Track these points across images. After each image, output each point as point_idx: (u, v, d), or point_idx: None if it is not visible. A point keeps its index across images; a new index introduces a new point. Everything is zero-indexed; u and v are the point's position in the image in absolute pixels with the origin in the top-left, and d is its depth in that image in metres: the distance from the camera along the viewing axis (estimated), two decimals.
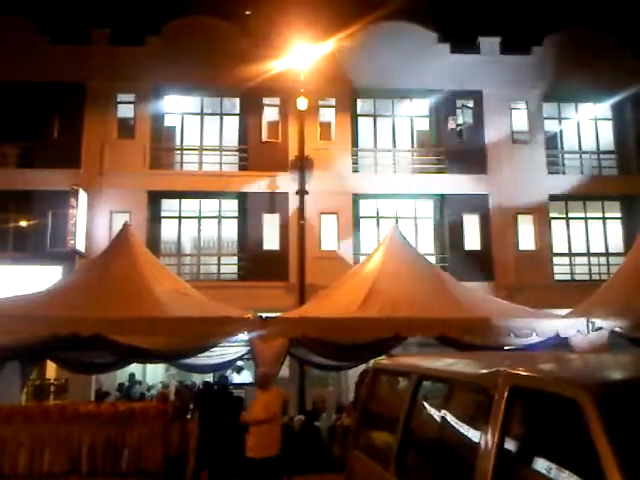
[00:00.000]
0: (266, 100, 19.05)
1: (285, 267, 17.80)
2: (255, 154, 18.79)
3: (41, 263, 16.79)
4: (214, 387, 10.58)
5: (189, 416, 9.51)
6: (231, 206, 19.17)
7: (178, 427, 9.54)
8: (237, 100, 19.75)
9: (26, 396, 12.98)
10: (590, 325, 9.76)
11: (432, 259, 16.97)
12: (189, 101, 19.75)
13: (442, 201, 19.17)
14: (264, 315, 9.81)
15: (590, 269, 19.19)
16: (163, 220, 18.87)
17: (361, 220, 19.01)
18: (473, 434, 3.16)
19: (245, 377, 15.35)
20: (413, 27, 19.61)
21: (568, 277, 19.04)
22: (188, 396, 11.57)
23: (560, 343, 9.63)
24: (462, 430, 3.39)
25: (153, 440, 9.14)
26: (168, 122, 19.60)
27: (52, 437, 8.71)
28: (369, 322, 9.59)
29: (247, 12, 20.54)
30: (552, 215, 19.33)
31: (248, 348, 9.84)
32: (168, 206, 19.03)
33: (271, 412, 8.14)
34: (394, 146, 19.79)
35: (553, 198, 19.25)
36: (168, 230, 18.88)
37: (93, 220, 17.58)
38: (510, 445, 2.86)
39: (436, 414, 3.80)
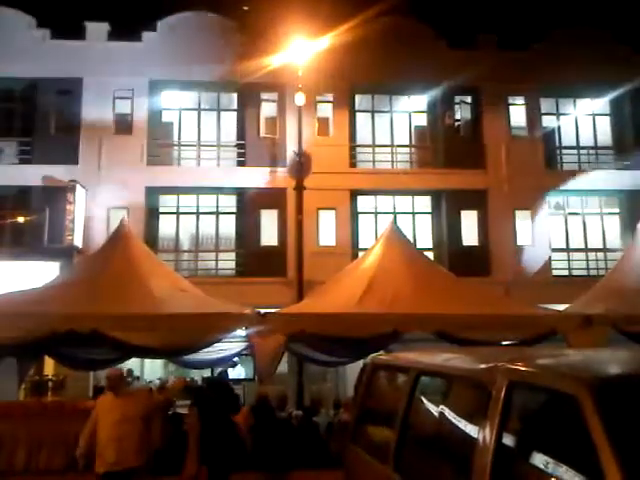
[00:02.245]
0: (264, 95, 19.02)
1: (283, 263, 17.80)
2: (253, 150, 18.77)
3: (39, 259, 16.77)
4: (214, 383, 10.58)
5: (171, 412, 9.59)
6: (229, 202, 19.16)
7: (160, 422, 9.56)
8: (235, 95, 19.72)
9: (24, 392, 12.97)
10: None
11: (430, 254, 17.01)
12: (186, 96, 19.71)
13: (440, 196, 19.18)
14: (262, 311, 9.82)
15: (588, 264, 19.21)
16: (161, 216, 18.84)
17: (359, 215, 19.02)
18: (471, 429, 3.16)
19: (239, 372, 15.42)
20: (411, 23, 19.59)
21: (566, 272, 19.06)
22: (175, 392, 11.59)
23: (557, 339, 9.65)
24: (460, 425, 3.39)
25: (139, 435, 9.21)
26: (165, 118, 19.56)
27: (50, 433, 8.73)
28: (367, 318, 9.60)
29: (244, 7, 20.50)
30: (550, 211, 19.36)
31: (246, 344, 9.84)
32: (166, 202, 19.01)
33: (126, 420, 6.87)
34: (392, 142, 19.78)
35: (551, 194, 19.27)
36: (166, 226, 18.86)
37: (91, 216, 17.56)
38: (508, 440, 2.86)
39: (434, 409, 3.80)
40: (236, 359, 12.66)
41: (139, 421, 7.04)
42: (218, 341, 9.83)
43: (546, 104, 20.14)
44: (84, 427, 6.96)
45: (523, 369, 3.03)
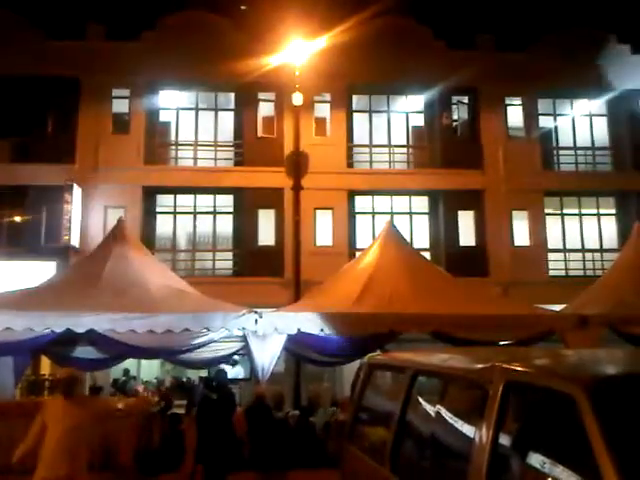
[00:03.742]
0: (261, 95, 19.02)
1: (280, 263, 17.79)
2: (250, 149, 18.76)
3: (35, 258, 16.74)
4: (212, 383, 10.57)
5: (169, 412, 9.61)
6: (226, 201, 19.14)
7: (151, 423, 9.60)
8: (232, 95, 19.71)
9: (20, 391, 12.95)
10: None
11: (427, 255, 17.01)
12: (184, 96, 19.68)
13: (437, 197, 19.19)
14: (259, 311, 9.82)
15: (584, 265, 19.25)
16: (158, 215, 18.83)
17: (356, 216, 19.03)
18: (468, 429, 3.17)
19: (236, 372, 15.42)
20: (409, 23, 19.60)
21: (562, 273, 19.09)
22: (167, 393, 11.60)
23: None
24: (457, 425, 3.40)
25: (127, 435, 9.26)
26: (163, 117, 19.54)
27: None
28: (364, 318, 9.61)
29: (242, 7, 20.48)
30: (547, 211, 19.38)
31: (243, 344, 9.85)
32: (163, 201, 19.00)
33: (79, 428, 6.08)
34: (389, 142, 19.79)
35: (548, 194, 19.30)
36: (163, 225, 18.84)
37: (88, 215, 17.54)
38: (505, 440, 2.87)
39: (431, 409, 3.80)
40: (237, 357, 12.66)
41: (92, 429, 6.36)
42: (215, 341, 9.84)
43: (543, 105, 20.17)
44: (29, 430, 6.14)
45: (520, 369, 3.04)
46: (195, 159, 19.20)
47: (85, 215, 17.53)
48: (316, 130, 18.88)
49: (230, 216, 19.02)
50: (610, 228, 19.72)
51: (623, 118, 20.12)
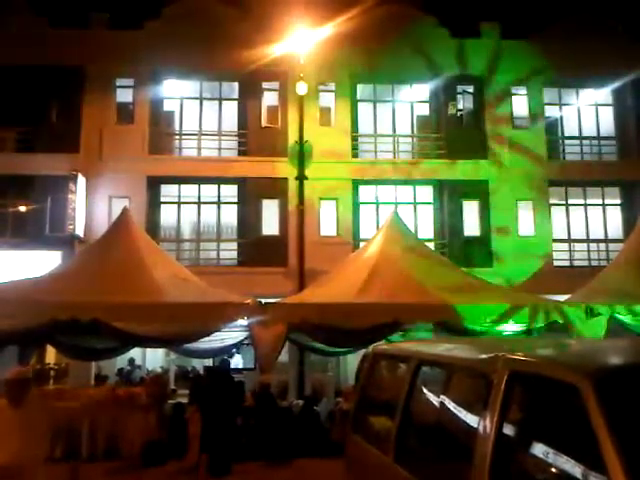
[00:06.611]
0: (265, 84, 18.94)
1: (284, 252, 17.80)
2: (254, 139, 18.71)
3: (40, 248, 16.79)
4: (215, 372, 10.62)
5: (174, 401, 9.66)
6: (230, 191, 19.12)
7: (155, 413, 9.65)
8: (236, 84, 19.64)
9: None
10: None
11: (431, 245, 16.99)
12: (188, 85, 19.62)
13: (442, 187, 19.13)
14: (263, 300, 9.83)
15: (589, 255, 19.20)
16: (162, 205, 18.83)
17: (361, 206, 18.98)
18: (472, 419, 3.17)
19: (238, 362, 15.51)
20: (414, 11, 19.45)
21: (567, 263, 19.04)
22: (164, 382, 11.66)
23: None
24: (461, 415, 3.40)
25: (131, 425, 9.30)
26: (167, 107, 19.49)
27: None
28: (368, 307, 9.62)
29: None
30: (552, 201, 19.31)
31: (247, 333, 9.87)
32: (167, 191, 18.98)
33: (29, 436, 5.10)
34: (394, 131, 19.72)
35: (553, 184, 19.22)
36: (167, 215, 18.85)
37: (92, 205, 17.56)
38: (509, 430, 2.86)
39: (435, 399, 3.80)
40: (233, 350, 12.71)
41: (46, 435, 5.58)
42: (219, 330, 9.87)
43: (549, 94, 20.04)
44: None
45: (524, 359, 3.03)
46: (199, 149, 19.16)
47: (90, 205, 17.56)
48: (320, 119, 18.80)
49: (234, 206, 19.01)
50: (615, 218, 19.64)
51: (629, 108, 19.99)
